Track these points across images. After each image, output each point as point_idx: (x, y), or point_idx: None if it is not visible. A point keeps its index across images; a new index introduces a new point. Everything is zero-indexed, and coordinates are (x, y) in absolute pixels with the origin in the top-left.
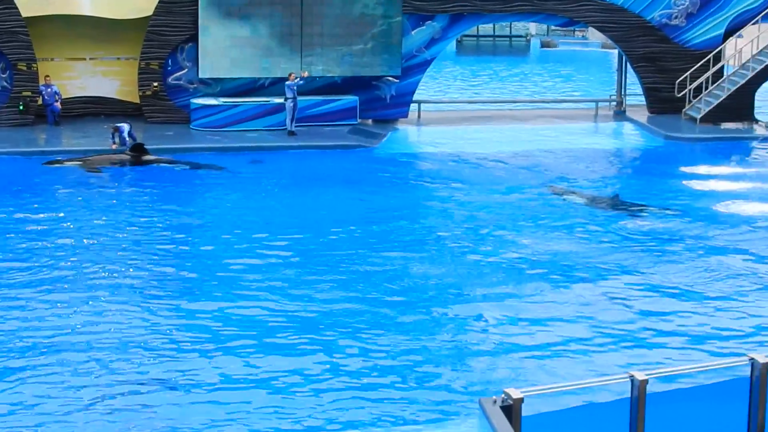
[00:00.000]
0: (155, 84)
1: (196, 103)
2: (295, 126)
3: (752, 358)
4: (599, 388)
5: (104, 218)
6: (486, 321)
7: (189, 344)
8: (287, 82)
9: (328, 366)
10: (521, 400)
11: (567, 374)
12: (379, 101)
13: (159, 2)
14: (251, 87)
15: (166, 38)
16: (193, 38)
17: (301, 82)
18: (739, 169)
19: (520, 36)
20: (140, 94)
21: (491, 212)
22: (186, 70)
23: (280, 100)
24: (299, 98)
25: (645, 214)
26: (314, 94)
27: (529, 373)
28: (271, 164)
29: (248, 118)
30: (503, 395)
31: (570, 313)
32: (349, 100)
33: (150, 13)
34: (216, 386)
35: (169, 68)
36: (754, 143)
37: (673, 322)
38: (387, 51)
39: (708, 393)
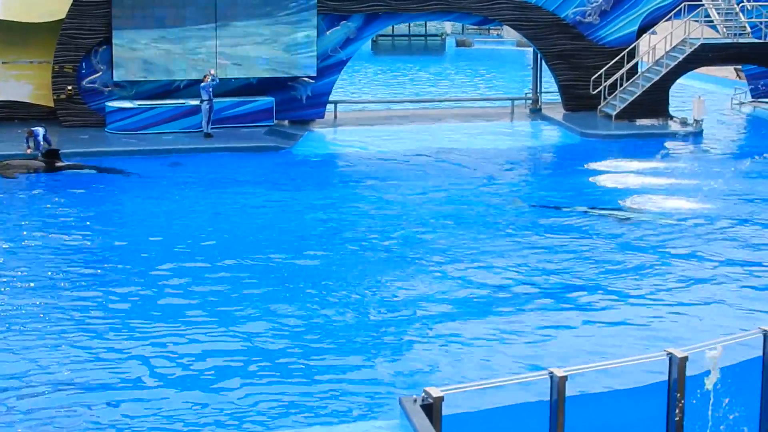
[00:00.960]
0: (69, 87)
1: (112, 106)
2: (212, 128)
3: (670, 353)
4: (520, 386)
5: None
6: (408, 319)
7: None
8: (202, 84)
9: (249, 360)
10: (441, 398)
11: (489, 372)
12: (296, 102)
13: (72, 5)
14: (167, 89)
15: (80, 41)
16: (107, 41)
17: (216, 82)
18: (652, 165)
19: (435, 35)
20: (54, 97)
21: (408, 212)
22: (100, 73)
23: (196, 102)
24: (215, 100)
25: (556, 210)
26: (230, 95)
27: (450, 370)
28: (189, 167)
29: (164, 121)
30: (423, 394)
31: (486, 310)
32: (265, 101)
33: (63, 16)
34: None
35: (84, 71)
36: (669, 139)
37: (586, 318)
38: (302, 52)
39: (628, 391)
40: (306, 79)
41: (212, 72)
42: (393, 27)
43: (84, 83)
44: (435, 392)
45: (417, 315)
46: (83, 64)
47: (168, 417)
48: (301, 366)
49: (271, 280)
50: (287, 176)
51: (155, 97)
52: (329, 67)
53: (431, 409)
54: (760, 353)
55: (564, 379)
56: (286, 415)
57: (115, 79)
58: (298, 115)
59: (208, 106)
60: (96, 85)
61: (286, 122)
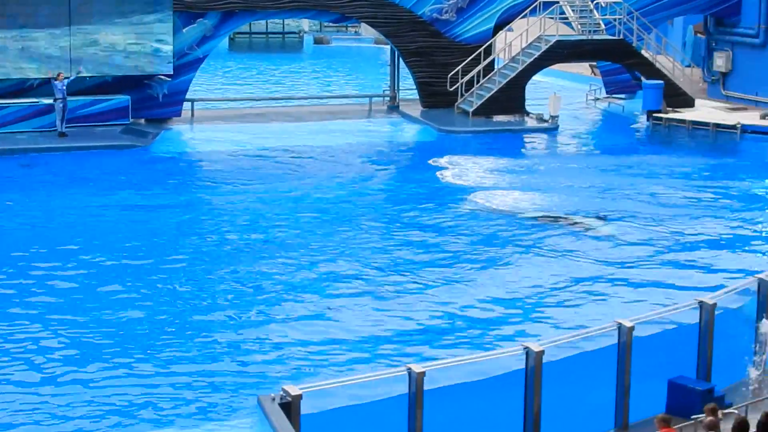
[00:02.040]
0: None
1: None
2: (66, 127)
3: (527, 347)
4: (380, 382)
5: None
6: (266, 318)
7: None
8: (55, 82)
9: (104, 364)
10: (300, 396)
11: (348, 369)
12: (152, 100)
13: None
14: (19, 88)
15: None
16: None
17: (70, 79)
18: (506, 161)
19: (293, 33)
20: None
21: (265, 209)
22: None
23: (50, 101)
24: (69, 98)
25: (409, 206)
26: (85, 93)
27: (311, 368)
28: (43, 167)
29: (17, 120)
30: (281, 392)
31: (344, 308)
32: (121, 99)
33: None
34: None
35: None
36: (525, 135)
37: (441, 315)
38: (158, 49)
39: (485, 385)
40: (162, 77)
41: (60, 77)
42: (250, 24)
43: None
44: (293, 390)
45: (275, 313)
46: None
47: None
48: (159, 365)
49: (124, 279)
50: (143, 175)
51: (7, 96)
52: (186, 65)
53: (290, 407)
54: (616, 341)
55: (422, 375)
56: (142, 416)
57: None
58: (155, 113)
59: (62, 105)
60: None
61: (142, 121)
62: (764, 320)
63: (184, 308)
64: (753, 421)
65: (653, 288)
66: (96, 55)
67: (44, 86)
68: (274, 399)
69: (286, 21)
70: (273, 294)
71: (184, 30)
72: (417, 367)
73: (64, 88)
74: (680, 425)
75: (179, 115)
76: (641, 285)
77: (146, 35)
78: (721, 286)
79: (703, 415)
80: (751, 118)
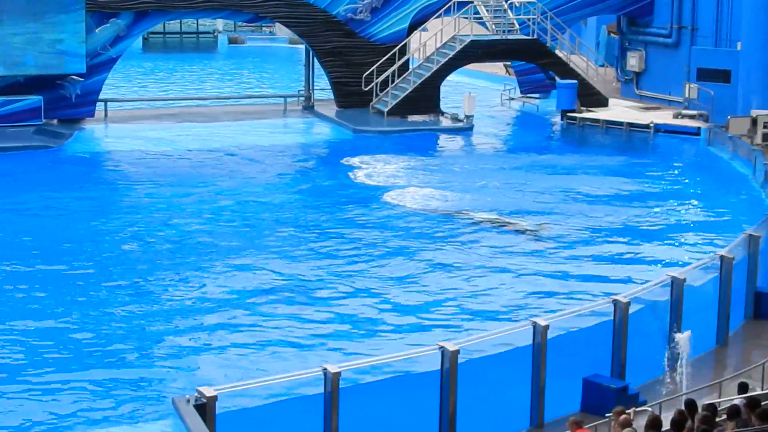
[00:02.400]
0: None
1: None
2: None
3: (442, 347)
4: (294, 382)
5: None
6: (181, 319)
7: None
8: None
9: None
10: (215, 398)
11: (265, 370)
12: (65, 100)
13: None
14: None
15: None
16: None
17: None
18: (419, 160)
19: (208, 32)
20: None
21: (177, 210)
22: None
23: None
24: None
25: (322, 206)
26: None
27: (223, 369)
28: None
29: None
30: (196, 394)
31: (257, 308)
32: (33, 100)
33: None
34: None
35: None
36: (440, 134)
37: (355, 315)
38: (71, 49)
39: (401, 384)
40: (75, 77)
41: None
42: (164, 24)
43: None
44: (208, 391)
45: (190, 314)
46: None
47: None
48: (73, 370)
49: (34, 283)
50: (56, 176)
51: None
52: (99, 65)
53: (205, 408)
54: (531, 342)
55: (338, 374)
56: (57, 423)
57: None
58: (68, 113)
59: None
60: None
61: (55, 121)
62: (682, 334)
63: (97, 312)
64: (667, 418)
65: (571, 284)
66: (7, 56)
67: None
68: (189, 400)
69: (201, 21)
70: (186, 296)
71: (96, 30)
72: (332, 368)
73: None
74: (595, 423)
75: (93, 115)
76: (559, 278)
77: (59, 35)
78: (630, 280)
79: (616, 413)
80: (664, 117)
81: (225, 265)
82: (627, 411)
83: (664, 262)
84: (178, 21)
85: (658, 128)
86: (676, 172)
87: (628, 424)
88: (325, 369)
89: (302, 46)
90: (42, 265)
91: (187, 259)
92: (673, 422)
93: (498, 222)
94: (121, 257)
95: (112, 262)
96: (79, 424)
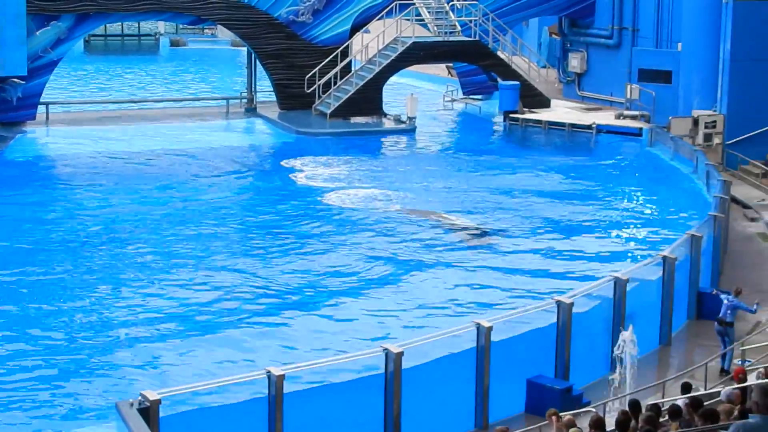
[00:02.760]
0: None
1: None
2: None
3: (386, 349)
4: (238, 386)
5: None
6: (120, 323)
7: None
8: None
9: None
10: (158, 401)
11: (214, 373)
12: (5, 103)
13: None
14: None
15: None
16: None
17: None
18: (362, 162)
19: (150, 35)
20: None
21: (120, 214)
22: None
23: None
24: None
25: (263, 208)
26: None
27: (169, 374)
28: None
29: None
30: (140, 397)
31: (197, 315)
32: None
33: None
34: None
35: None
36: (382, 136)
37: (296, 317)
38: (11, 52)
39: (346, 387)
40: (16, 80)
41: None
42: (106, 27)
43: None
44: (152, 395)
45: (131, 318)
46: None
47: None
48: (17, 374)
49: None
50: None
51: None
52: (40, 68)
53: (148, 412)
54: (474, 345)
55: (282, 377)
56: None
57: None
58: (9, 116)
59: None
60: None
61: None
62: (626, 330)
63: (38, 315)
64: (611, 419)
65: (515, 283)
66: None
67: None
68: (132, 404)
69: (142, 23)
70: (129, 298)
71: (37, 33)
72: (276, 370)
73: None
74: (539, 424)
75: (34, 118)
76: (502, 278)
77: None
78: (588, 278)
79: (563, 413)
80: (606, 118)
81: (165, 267)
82: (561, 414)
83: (607, 262)
84: (120, 23)
85: (600, 129)
86: (618, 172)
87: (572, 424)
88: (269, 371)
89: (244, 49)
90: None
91: (126, 261)
92: (618, 422)
93: (440, 220)
94: (62, 260)
95: (51, 265)
96: (26, 426)
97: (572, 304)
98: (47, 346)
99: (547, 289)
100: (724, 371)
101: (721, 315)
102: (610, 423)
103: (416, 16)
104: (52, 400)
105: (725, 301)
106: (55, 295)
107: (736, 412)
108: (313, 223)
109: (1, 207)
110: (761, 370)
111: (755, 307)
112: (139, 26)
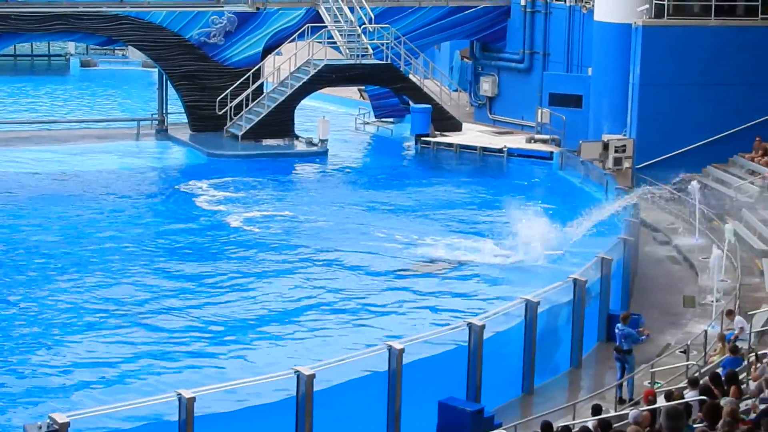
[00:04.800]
0: None
1: None
2: None
3: (297, 371)
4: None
5: None
6: (33, 341)
7: None
8: None
9: None
10: (68, 424)
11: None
12: None
13: None
14: None
15: None
16: None
17: None
18: (271, 185)
19: (60, 55)
20: None
21: (20, 236)
22: None
23: None
24: None
25: (168, 231)
26: None
27: (79, 393)
28: None
29: None
30: (48, 420)
31: (99, 333)
32: None
33: None
34: None
35: None
36: (294, 160)
37: (202, 337)
38: None
39: (257, 412)
40: None
41: None
42: (15, 46)
43: None
44: (61, 418)
45: (37, 341)
46: None
47: None
48: None
49: None
50: None
51: None
52: None
53: None
54: (386, 368)
55: (192, 400)
56: None
57: None
58: None
59: None
60: None
61: None
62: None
63: None
64: None
65: (425, 305)
66: None
67: None
68: (41, 427)
69: (52, 43)
70: (35, 322)
71: None
72: (187, 393)
73: None
74: None
75: None
76: (415, 304)
77: None
78: (487, 300)
79: None
80: (517, 141)
81: (60, 288)
82: None
83: (518, 285)
84: (30, 44)
85: (512, 152)
86: (528, 192)
87: None
88: (179, 394)
89: (156, 70)
90: None
91: (24, 283)
92: None
93: (351, 244)
94: None
95: None
96: None
97: (483, 326)
98: None
99: (458, 311)
100: (621, 400)
101: (617, 343)
102: None
103: (328, 38)
104: None
105: (617, 330)
106: None
107: None
108: (212, 245)
109: None
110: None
111: (644, 337)
112: (49, 46)
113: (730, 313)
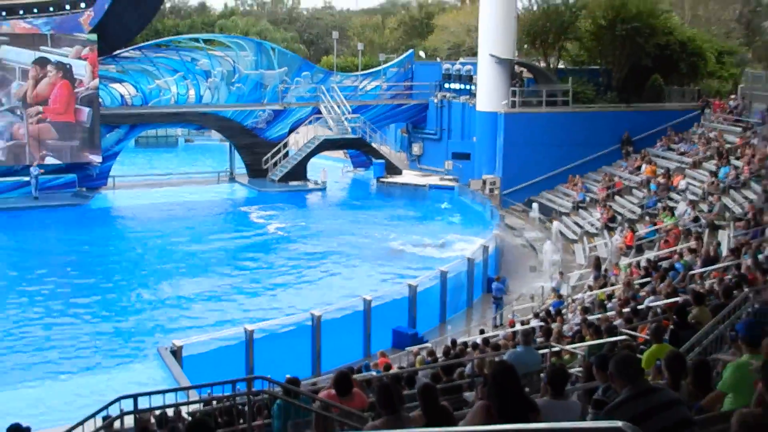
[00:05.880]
0: None
1: None
2: (38, 192)
3: (312, 313)
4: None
5: None
6: (159, 305)
7: None
8: (31, 168)
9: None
10: (181, 347)
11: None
12: (89, 176)
13: None
14: (10, 170)
15: None
16: None
17: (37, 168)
18: (294, 207)
19: (172, 135)
20: None
21: (155, 245)
22: None
23: (28, 178)
24: (43, 176)
25: (228, 232)
26: (48, 173)
27: (181, 328)
28: (26, 217)
29: (9, 189)
30: (171, 345)
31: (195, 300)
32: (71, 176)
33: None
34: None
35: None
36: (306, 193)
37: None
38: (92, 145)
39: (286, 335)
40: (96, 162)
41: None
42: (147, 132)
43: None
44: (178, 342)
45: (163, 301)
46: None
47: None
48: (90, 326)
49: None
50: (85, 221)
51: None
52: (109, 156)
53: (177, 353)
54: (362, 309)
55: (252, 332)
56: (81, 363)
57: None
58: (91, 184)
59: (35, 180)
60: None
61: (84, 189)
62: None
63: (112, 299)
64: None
65: (389, 274)
66: (56, 152)
67: (24, 170)
68: (167, 349)
69: (169, 129)
70: (163, 294)
71: (107, 135)
72: (249, 326)
73: (37, 173)
74: (398, 354)
75: (106, 185)
76: (383, 271)
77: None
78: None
79: (411, 347)
80: (434, 180)
81: (177, 266)
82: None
83: (437, 261)
84: (155, 130)
85: (431, 187)
86: (441, 209)
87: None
88: (245, 328)
89: (228, 143)
90: (77, 275)
91: (162, 274)
92: (444, 351)
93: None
94: (127, 268)
95: (122, 270)
96: (98, 363)
97: (417, 285)
98: (118, 312)
99: (411, 275)
100: (495, 326)
101: (493, 294)
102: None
103: (325, 123)
104: (115, 345)
105: (493, 286)
106: (114, 289)
107: (509, 345)
108: (255, 245)
109: (86, 236)
110: (521, 320)
111: (503, 285)
112: (166, 131)
113: (562, 275)
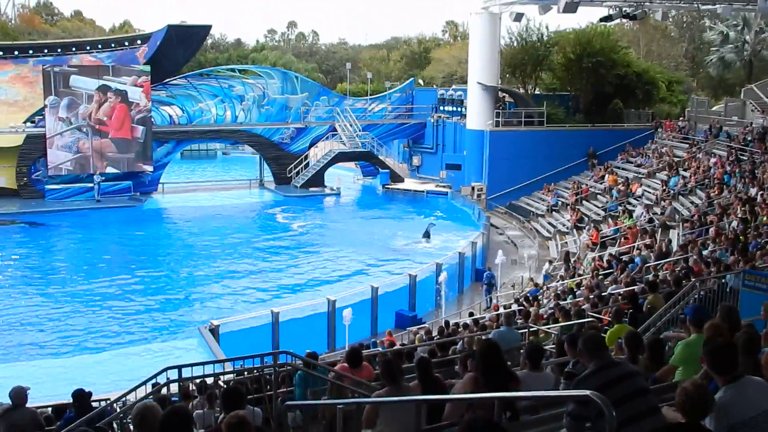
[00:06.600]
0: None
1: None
2: (100, 197)
3: (327, 298)
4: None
5: None
6: (184, 281)
7: None
8: (94, 177)
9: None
10: (218, 326)
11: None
12: (142, 182)
13: None
14: (76, 178)
15: None
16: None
17: (100, 176)
18: (313, 209)
19: (212, 149)
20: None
21: (201, 239)
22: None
23: (91, 185)
24: (105, 182)
25: (257, 230)
26: (109, 181)
27: (218, 309)
28: (89, 217)
29: (76, 194)
30: (210, 324)
31: (236, 284)
32: (127, 183)
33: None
34: None
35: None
36: (324, 197)
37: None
38: (145, 157)
39: (305, 320)
40: (147, 171)
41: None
42: (191, 146)
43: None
44: (216, 322)
45: (203, 284)
46: None
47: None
48: (145, 309)
49: (131, 272)
50: (140, 221)
51: (69, 182)
52: (159, 166)
53: (215, 331)
54: (369, 297)
55: (278, 314)
56: (133, 337)
57: None
58: (144, 189)
59: (97, 187)
60: None
61: (138, 193)
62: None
63: (163, 285)
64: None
65: (396, 267)
66: (115, 162)
67: (88, 178)
68: (206, 327)
69: (209, 144)
70: (204, 281)
71: (157, 149)
72: (276, 308)
73: (100, 179)
74: (400, 333)
75: (156, 190)
76: (392, 265)
77: (139, 151)
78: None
79: (411, 327)
80: (431, 187)
81: (222, 262)
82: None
83: (432, 256)
84: (198, 144)
85: (429, 192)
86: (437, 212)
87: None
88: (272, 311)
89: (258, 155)
90: (139, 266)
91: (201, 264)
92: (439, 331)
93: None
94: (174, 259)
95: (170, 260)
96: (149, 338)
97: (416, 275)
98: (163, 293)
99: (414, 267)
100: (487, 309)
101: (484, 281)
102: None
103: (339, 139)
104: (157, 323)
105: (485, 274)
106: (164, 277)
107: (494, 326)
108: (281, 240)
109: (141, 231)
110: (503, 306)
111: (489, 272)
112: (207, 146)
113: (550, 263)
